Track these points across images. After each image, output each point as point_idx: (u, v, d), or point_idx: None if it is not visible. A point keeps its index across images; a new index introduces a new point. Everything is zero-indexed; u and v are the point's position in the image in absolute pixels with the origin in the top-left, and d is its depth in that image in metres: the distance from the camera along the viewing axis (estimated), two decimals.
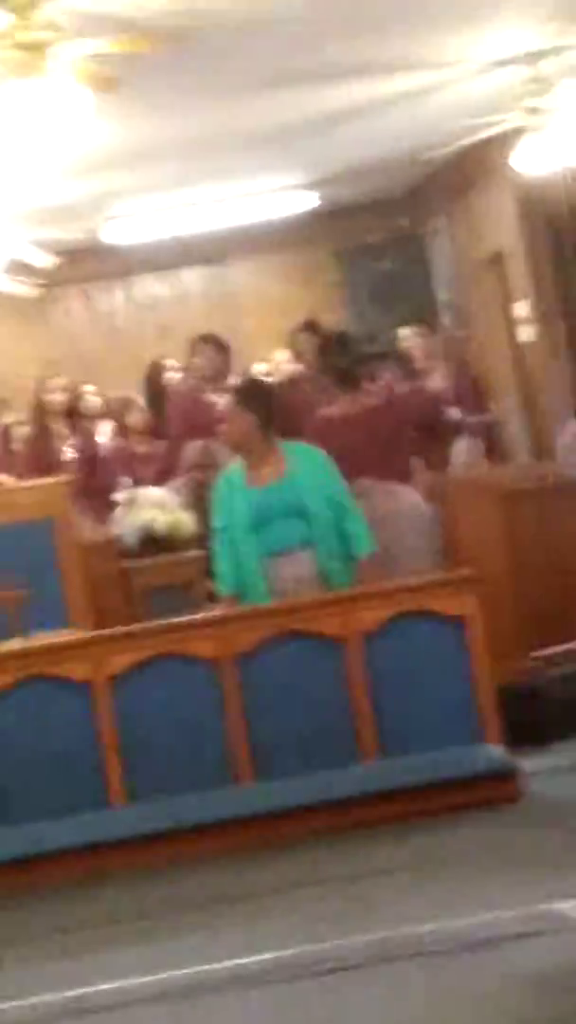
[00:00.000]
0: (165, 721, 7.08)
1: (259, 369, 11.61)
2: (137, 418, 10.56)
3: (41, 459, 10.33)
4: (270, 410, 7.76)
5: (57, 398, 10.63)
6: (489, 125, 10.23)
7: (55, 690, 7.07)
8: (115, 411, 10.89)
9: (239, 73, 8.90)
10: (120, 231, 12.23)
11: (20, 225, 10.62)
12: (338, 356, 8.49)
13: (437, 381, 11.08)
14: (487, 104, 9.98)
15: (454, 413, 10.64)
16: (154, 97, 8.99)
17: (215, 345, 10.45)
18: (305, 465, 7.64)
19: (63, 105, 7.60)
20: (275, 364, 11.62)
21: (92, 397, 11.24)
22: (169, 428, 10.48)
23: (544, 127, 9.94)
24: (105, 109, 8.17)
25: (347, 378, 8.39)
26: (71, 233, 10.93)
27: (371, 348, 11.61)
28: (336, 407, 8.44)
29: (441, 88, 9.92)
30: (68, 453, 10.48)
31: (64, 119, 7.73)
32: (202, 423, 10.18)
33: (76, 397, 11.17)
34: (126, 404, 10.75)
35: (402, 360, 11.13)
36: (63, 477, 9.11)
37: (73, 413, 10.74)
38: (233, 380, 10.37)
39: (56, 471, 9.77)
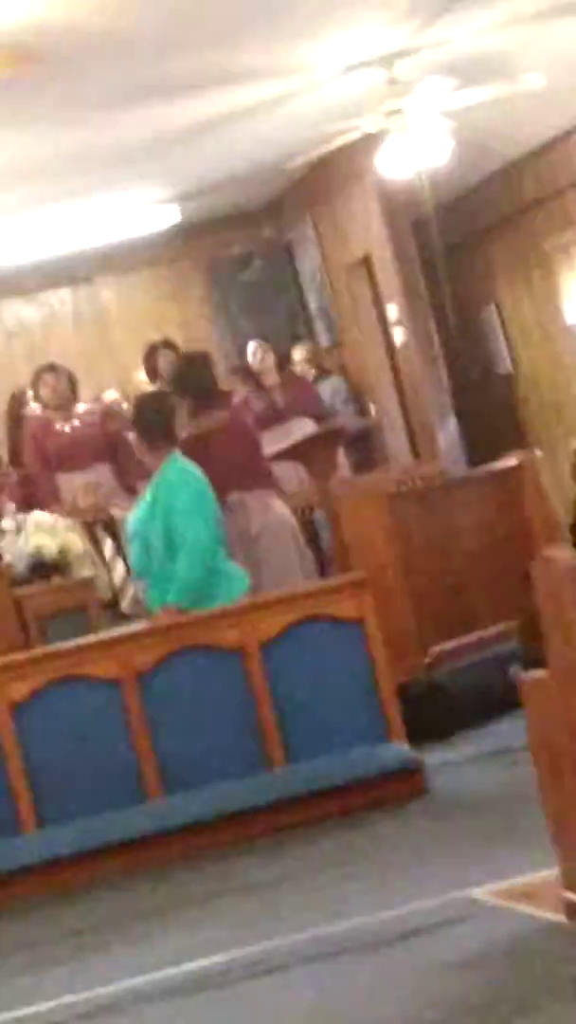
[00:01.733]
0: (71, 744, 7.05)
1: (110, 396, 11.59)
2: None
3: None
4: (150, 423, 7.64)
5: None
6: (349, 130, 10.29)
7: None
8: None
9: (96, 90, 8.90)
10: None
11: None
12: (203, 375, 8.48)
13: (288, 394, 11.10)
14: (347, 108, 10.04)
15: (337, 420, 10.72)
16: (10, 118, 8.96)
17: (57, 374, 10.38)
18: (158, 489, 7.41)
19: None
20: (132, 388, 11.62)
21: None
22: (24, 459, 10.45)
23: (404, 129, 10.00)
24: None
25: (210, 396, 8.37)
26: None
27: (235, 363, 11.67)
28: (194, 426, 8.36)
29: (299, 94, 9.97)
30: None
31: None
32: (52, 453, 10.13)
33: None
34: None
35: (250, 376, 11.13)
36: None
37: None
38: (80, 407, 10.36)
39: None
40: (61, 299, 13.40)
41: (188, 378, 8.48)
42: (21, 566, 9.06)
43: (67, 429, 10.17)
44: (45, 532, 8.99)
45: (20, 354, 13.12)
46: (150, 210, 12.34)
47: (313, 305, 13.17)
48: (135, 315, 13.35)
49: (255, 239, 13.47)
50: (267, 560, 8.04)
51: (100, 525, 9.59)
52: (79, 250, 12.60)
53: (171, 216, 12.49)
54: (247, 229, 13.40)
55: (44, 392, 10.34)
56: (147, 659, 7.15)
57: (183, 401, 8.25)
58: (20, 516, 9.28)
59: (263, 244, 13.48)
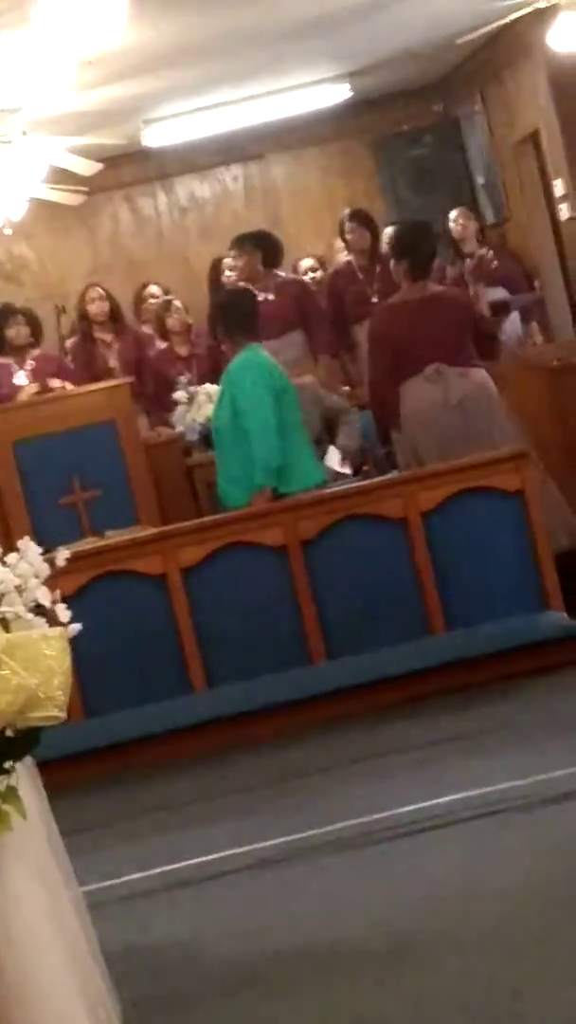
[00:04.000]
0: (238, 608, 7.32)
1: (306, 264, 11.75)
2: (175, 320, 10.69)
3: (87, 367, 10.48)
4: (226, 318, 7.91)
5: (98, 307, 10.74)
6: (522, 4, 10.26)
7: (131, 585, 7.31)
8: (156, 314, 11.02)
9: None
10: (160, 134, 12.32)
11: (61, 133, 10.73)
12: (422, 244, 8.52)
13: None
14: None
15: (500, 293, 10.74)
16: None
17: (253, 243, 10.52)
18: (225, 380, 7.77)
19: (98, 10, 7.74)
20: (330, 253, 11.83)
21: (153, 300, 11.42)
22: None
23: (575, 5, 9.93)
24: (139, 11, 8.29)
25: (425, 266, 8.42)
26: (111, 139, 11.02)
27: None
28: (403, 294, 8.44)
29: None
30: (111, 360, 10.60)
31: (99, 24, 7.87)
32: None
33: (140, 300, 11.41)
34: (165, 307, 10.90)
35: (451, 243, 11.21)
36: (123, 379, 9.25)
37: (117, 319, 10.83)
38: (281, 275, 10.52)
39: (102, 378, 9.91)
40: (233, 176, 13.55)
41: (404, 244, 8.53)
42: (193, 436, 9.32)
43: (261, 299, 10.35)
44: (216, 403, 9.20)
45: (193, 228, 13.32)
46: (320, 87, 12.40)
47: (480, 181, 13.17)
48: (304, 191, 13.45)
49: (424, 115, 13.47)
50: (466, 429, 8.06)
51: None
52: (251, 127, 12.70)
53: (341, 93, 12.54)
54: (416, 105, 13.39)
55: (240, 262, 10.50)
56: (312, 527, 7.38)
57: (399, 266, 8.40)
58: (192, 388, 9.51)
59: (432, 120, 13.48)
